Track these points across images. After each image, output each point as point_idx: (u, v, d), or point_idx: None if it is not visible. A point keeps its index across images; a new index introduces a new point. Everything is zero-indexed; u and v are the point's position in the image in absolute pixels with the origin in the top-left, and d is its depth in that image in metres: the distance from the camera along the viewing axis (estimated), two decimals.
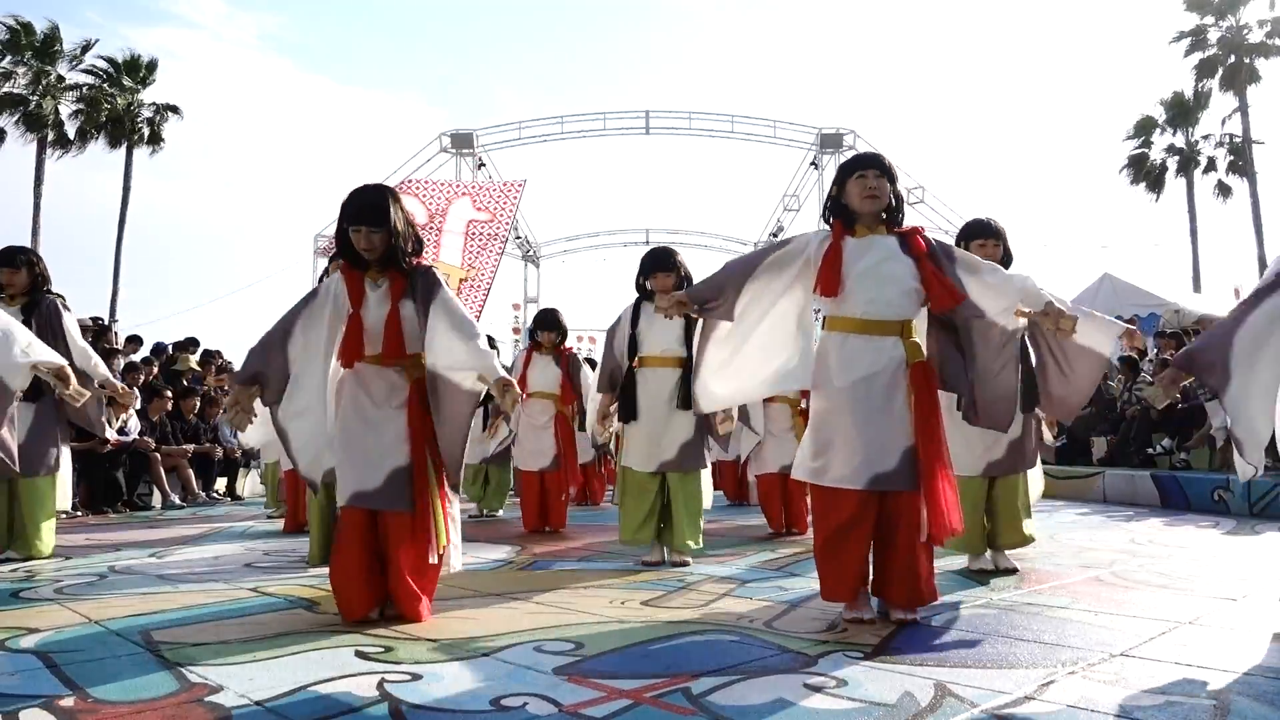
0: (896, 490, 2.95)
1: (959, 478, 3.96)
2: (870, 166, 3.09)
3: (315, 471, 3.13)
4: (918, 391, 2.98)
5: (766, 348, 3.21)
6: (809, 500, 4.59)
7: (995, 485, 4.04)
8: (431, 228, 8.34)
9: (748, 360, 3.25)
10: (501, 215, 8.75)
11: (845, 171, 3.14)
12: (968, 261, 3.12)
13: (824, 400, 3.07)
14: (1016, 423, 4.02)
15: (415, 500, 3.03)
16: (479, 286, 8.57)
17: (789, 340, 3.19)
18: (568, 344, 6.36)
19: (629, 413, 4.40)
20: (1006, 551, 4.09)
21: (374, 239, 3.02)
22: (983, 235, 4.03)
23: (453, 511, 3.18)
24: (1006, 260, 4.00)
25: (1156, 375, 9.40)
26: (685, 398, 4.28)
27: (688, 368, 4.34)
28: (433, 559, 3.06)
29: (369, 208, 3.02)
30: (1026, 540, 4.09)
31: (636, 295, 4.52)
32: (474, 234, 8.69)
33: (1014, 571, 3.99)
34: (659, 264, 4.40)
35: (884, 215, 3.10)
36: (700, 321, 3.63)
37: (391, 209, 3.04)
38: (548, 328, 6.17)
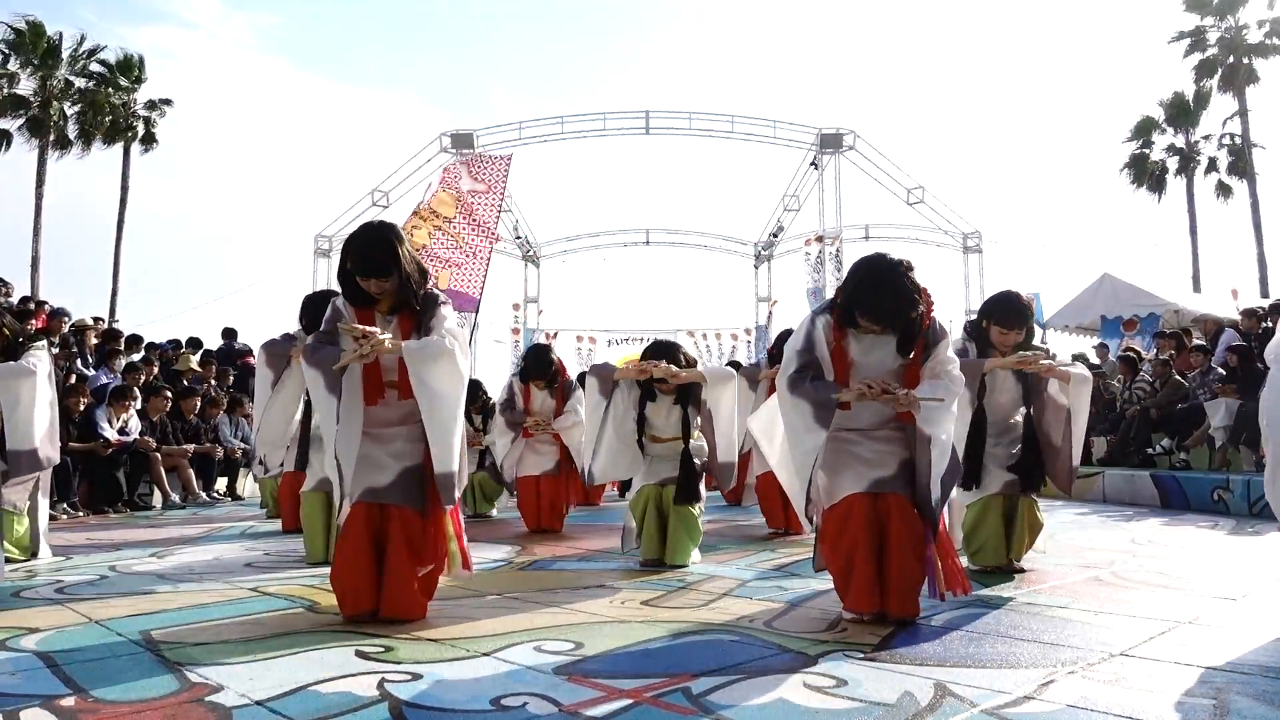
0: (894, 492, 3.01)
1: (985, 497, 4.00)
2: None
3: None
4: (910, 421, 3.04)
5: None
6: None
7: (1017, 503, 4.06)
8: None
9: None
10: (495, 187, 8.88)
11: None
12: (936, 366, 3.03)
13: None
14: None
15: (426, 501, 3.09)
16: (479, 258, 8.56)
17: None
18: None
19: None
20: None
21: (385, 286, 3.03)
22: (1006, 324, 3.94)
23: (460, 517, 3.25)
24: (1028, 338, 4.01)
25: (1156, 374, 9.44)
26: (685, 493, 4.37)
27: (686, 458, 4.40)
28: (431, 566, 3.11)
29: (376, 261, 2.98)
30: (1033, 547, 4.12)
31: (639, 390, 4.51)
32: (470, 205, 8.80)
33: (1021, 571, 4.00)
34: (663, 353, 4.46)
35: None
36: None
37: (399, 251, 3.01)
38: (538, 375, 6.22)
